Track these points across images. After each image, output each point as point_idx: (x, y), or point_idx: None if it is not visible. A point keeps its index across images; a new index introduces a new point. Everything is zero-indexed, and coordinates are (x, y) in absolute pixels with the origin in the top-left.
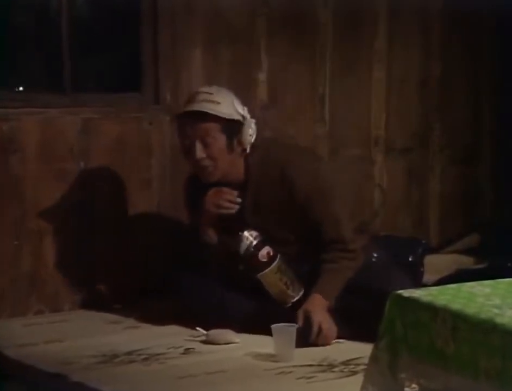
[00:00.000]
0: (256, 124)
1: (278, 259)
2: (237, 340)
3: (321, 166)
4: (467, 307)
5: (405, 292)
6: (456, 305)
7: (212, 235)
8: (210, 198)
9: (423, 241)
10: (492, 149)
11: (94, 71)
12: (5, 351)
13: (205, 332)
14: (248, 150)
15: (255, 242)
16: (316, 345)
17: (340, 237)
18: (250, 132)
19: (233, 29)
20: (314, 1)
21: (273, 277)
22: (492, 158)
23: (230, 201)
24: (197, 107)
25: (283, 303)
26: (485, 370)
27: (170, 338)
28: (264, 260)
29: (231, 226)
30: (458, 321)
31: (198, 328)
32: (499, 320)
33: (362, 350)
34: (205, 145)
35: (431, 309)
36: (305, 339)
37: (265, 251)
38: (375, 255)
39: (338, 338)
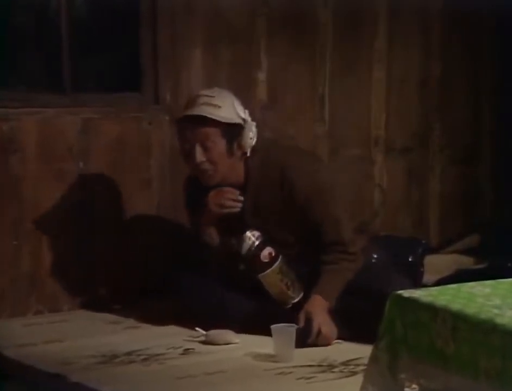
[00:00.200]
0: (257, 126)
1: (279, 260)
2: (236, 340)
3: (321, 168)
4: (467, 307)
5: (405, 293)
6: (456, 305)
7: (213, 236)
8: (212, 198)
9: (423, 242)
10: (492, 149)
11: (94, 71)
12: (4, 351)
13: (204, 332)
14: (248, 153)
15: (257, 242)
16: (315, 345)
17: (340, 239)
18: (251, 136)
19: (233, 29)
20: (314, 1)
21: (274, 278)
22: (492, 158)
23: (233, 200)
24: (197, 111)
25: (284, 304)
26: (485, 370)
27: (169, 338)
28: (266, 260)
29: (232, 227)
30: (458, 321)
31: (197, 329)
32: (499, 320)
33: (362, 351)
34: (205, 149)
35: (431, 309)
36: (305, 339)
37: (267, 252)
38: (375, 256)
39: (338, 338)
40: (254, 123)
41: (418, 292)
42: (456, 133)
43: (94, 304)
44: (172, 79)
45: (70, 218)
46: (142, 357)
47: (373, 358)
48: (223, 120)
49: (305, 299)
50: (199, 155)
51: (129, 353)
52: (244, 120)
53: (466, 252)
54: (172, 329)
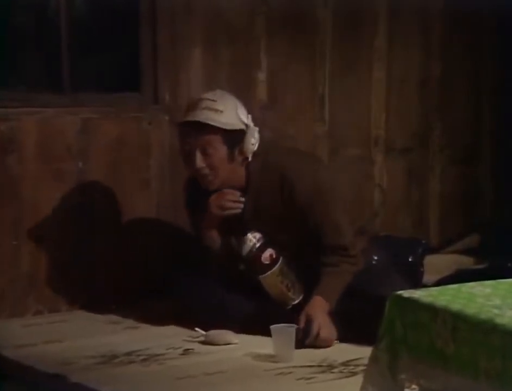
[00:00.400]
0: (259, 131)
1: (280, 261)
2: (236, 340)
3: (320, 170)
4: (467, 308)
5: (405, 293)
6: (456, 305)
7: (214, 238)
8: (213, 201)
9: (423, 242)
10: (492, 149)
11: (93, 71)
12: (4, 352)
13: (204, 332)
14: (250, 158)
15: (258, 244)
16: (314, 347)
17: (341, 243)
18: (253, 142)
19: (233, 29)
20: (314, 0)
21: (275, 280)
22: (492, 158)
23: (234, 201)
24: (198, 116)
25: (284, 305)
26: (485, 370)
27: (169, 338)
28: (267, 262)
29: (233, 229)
30: (458, 322)
31: (197, 329)
32: (499, 320)
33: (362, 351)
34: (206, 155)
35: (431, 309)
36: (304, 341)
37: (268, 254)
38: (375, 258)
39: (339, 340)
40: (257, 128)
41: (418, 293)
42: (456, 133)
43: (94, 304)
44: (171, 78)
45: (70, 218)
46: (142, 357)
47: (373, 358)
48: (225, 127)
49: (305, 300)
50: (199, 161)
51: (128, 354)
52: (246, 125)
53: (466, 252)
54: (172, 329)
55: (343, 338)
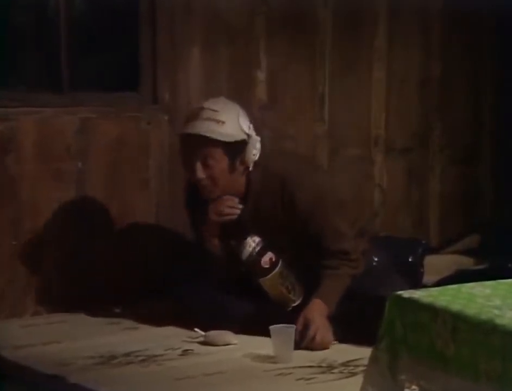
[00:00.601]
0: (259, 133)
1: (279, 264)
2: (235, 341)
3: (320, 177)
4: (467, 308)
5: (405, 293)
6: (456, 306)
7: (215, 244)
8: (212, 208)
9: (423, 242)
10: (492, 149)
11: (93, 71)
12: (2, 352)
13: (203, 333)
14: (251, 168)
15: (257, 248)
16: (311, 349)
17: (342, 248)
18: (254, 152)
19: (232, 28)
20: (314, 0)
21: (275, 283)
22: (492, 158)
23: (231, 207)
24: (200, 127)
25: (285, 307)
26: (485, 371)
27: (168, 339)
28: (267, 266)
29: (233, 233)
30: (458, 322)
31: (196, 330)
32: (499, 321)
33: (362, 351)
34: (206, 167)
35: (431, 310)
36: (299, 343)
37: (267, 257)
38: (375, 259)
39: (339, 341)
40: (258, 138)
41: (418, 293)
42: (456, 133)
43: (93, 305)
44: (170, 78)
45: (69, 218)
46: (141, 358)
47: (373, 359)
48: (226, 140)
49: (305, 302)
50: (200, 172)
51: (127, 354)
52: (248, 135)
53: (466, 252)
54: (171, 330)
55: (343, 339)
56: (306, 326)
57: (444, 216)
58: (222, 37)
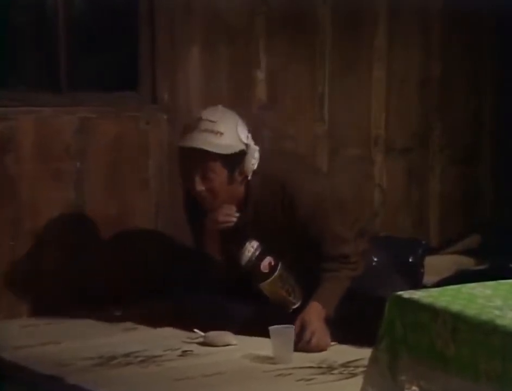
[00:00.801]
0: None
1: (279, 268)
2: (235, 342)
3: (320, 181)
4: (468, 308)
5: (405, 294)
6: (456, 306)
7: (214, 248)
8: (209, 217)
9: (423, 242)
10: (492, 149)
11: (92, 71)
12: (1, 353)
13: (202, 334)
14: (249, 177)
15: (256, 253)
16: (307, 352)
17: (342, 252)
18: (253, 162)
19: (232, 28)
20: (313, 0)
21: (275, 286)
22: (492, 158)
23: (228, 215)
24: (198, 140)
25: (285, 309)
26: (485, 372)
27: (167, 339)
28: (266, 271)
29: (233, 240)
30: (458, 323)
31: (195, 330)
32: (499, 321)
33: (362, 352)
34: (205, 179)
35: (431, 310)
36: (296, 345)
37: (267, 262)
38: (375, 259)
39: (338, 342)
40: (257, 148)
41: (418, 293)
42: (456, 133)
43: (92, 305)
44: (170, 78)
45: (68, 218)
46: (140, 359)
47: (373, 359)
48: (225, 152)
49: (304, 304)
50: (199, 185)
51: (126, 355)
52: (246, 145)
53: (466, 252)
54: (170, 330)
55: (343, 339)
56: (303, 328)
57: (444, 216)
58: (222, 37)
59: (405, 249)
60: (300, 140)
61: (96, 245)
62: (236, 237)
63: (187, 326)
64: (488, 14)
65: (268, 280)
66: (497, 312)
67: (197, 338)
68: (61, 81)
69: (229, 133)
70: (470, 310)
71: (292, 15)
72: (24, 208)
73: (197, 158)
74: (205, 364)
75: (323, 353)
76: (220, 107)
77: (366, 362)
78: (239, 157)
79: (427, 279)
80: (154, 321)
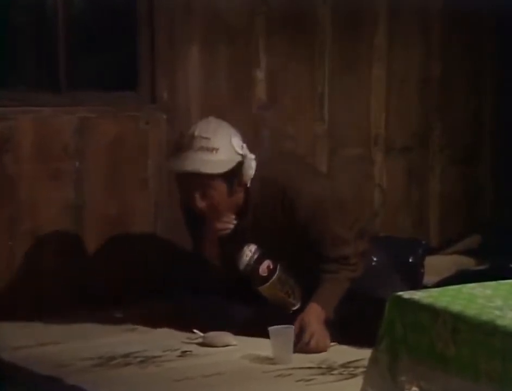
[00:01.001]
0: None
1: (277, 271)
2: (234, 342)
3: (320, 183)
4: (468, 309)
5: (405, 294)
6: (456, 307)
7: (213, 254)
8: (207, 225)
9: (423, 242)
10: (492, 149)
11: (91, 70)
12: (0, 354)
13: (202, 334)
14: (248, 185)
15: (255, 257)
16: (305, 353)
17: (342, 254)
18: (250, 171)
19: (232, 28)
20: (313, 0)
21: (274, 289)
22: (492, 158)
23: (226, 222)
24: (193, 162)
25: (285, 311)
26: (485, 372)
27: (167, 340)
28: (265, 274)
29: (232, 244)
30: (458, 323)
31: (195, 331)
32: (500, 322)
33: (362, 352)
34: (205, 197)
35: (431, 310)
36: (295, 346)
37: (265, 265)
38: (375, 259)
39: (338, 342)
40: (253, 156)
41: (418, 294)
42: (456, 133)
43: (92, 305)
44: (169, 77)
45: (67, 218)
46: (139, 359)
47: (373, 360)
48: (222, 170)
49: (304, 305)
50: (199, 202)
51: (126, 355)
52: (242, 155)
53: (467, 252)
54: (170, 331)
55: (342, 340)
56: (302, 330)
57: (444, 216)
58: (221, 37)
59: (405, 249)
60: (300, 140)
61: (95, 245)
62: (235, 241)
63: (186, 326)
64: (488, 14)
65: (267, 283)
66: (497, 312)
67: (196, 338)
68: (61, 81)
69: (224, 147)
70: (471, 311)
71: (292, 15)
72: (23, 208)
73: (195, 180)
74: (205, 365)
75: (323, 353)
76: (212, 119)
77: (365, 362)
78: (236, 169)
79: (427, 279)
80: (154, 321)
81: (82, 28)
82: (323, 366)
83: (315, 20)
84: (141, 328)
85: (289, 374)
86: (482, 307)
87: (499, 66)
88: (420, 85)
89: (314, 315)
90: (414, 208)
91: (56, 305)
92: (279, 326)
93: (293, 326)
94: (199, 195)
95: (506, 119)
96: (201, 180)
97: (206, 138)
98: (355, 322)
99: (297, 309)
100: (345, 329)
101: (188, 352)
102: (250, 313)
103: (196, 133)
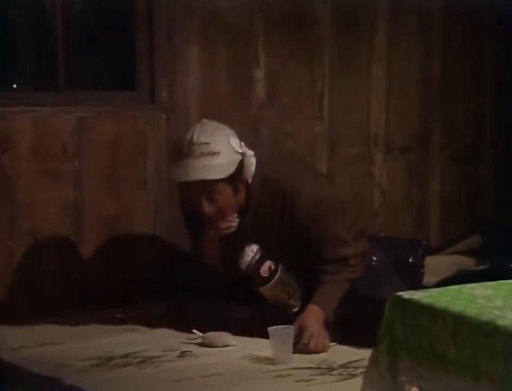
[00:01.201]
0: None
1: (279, 272)
2: (234, 342)
3: (320, 184)
4: (468, 309)
5: (405, 294)
6: (457, 307)
7: (214, 255)
8: (210, 224)
9: (423, 242)
10: (492, 149)
11: (90, 70)
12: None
13: (201, 334)
14: (250, 181)
15: (256, 257)
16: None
17: (342, 254)
18: (251, 168)
19: (232, 28)
20: None
21: (275, 290)
22: (492, 158)
23: (229, 221)
24: (196, 170)
25: (286, 311)
26: (486, 373)
27: (166, 340)
28: (266, 275)
29: (233, 244)
30: (459, 323)
31: (194, 331)
32: (500, 322)
33: (362, 353)
34: (212, 201)
35: (431, 311)
36: (294, 347)
37: (266, 266)
38: (375, 259)
39: (338, 342)
40: (252, 152)
41: (419, 294)
42: (456, 133)
43: (91, 305)
44: (168, 77)
45: (66, 218)
46: (138, 360)
47: (373, 360)
48: (226, 174)
49: (304, 306)
50: (207, 207)
51: (125, 356)
52: (242, 154)
53: (467, 253)
54: (169, 331)
55: (342, 340)
56: (301, 331)
57: (444, 216)
58: (221, 36)
59: (405, 249)
60: (300, 140)
61: (95, 245)
62: (235, 241)
63: (186, 326)
64: (488, 14)
65: (268, 284)
66: (497, 312)
67: (196, 338)
68: (59, 81)
69: (224, 150)
70: (471, 311)
71: (291, 15)
72: (21, 208)
73: (201, 187)
74: (204, 365)
75: (323, 353)
76: (207, 122)
77: (365, 363)
78: (238, 168)
79: (427, 279)
80: (153, 321)
81: (81, 28)
82: (323, 366)
83: (315, 20)
84: (140, 328)
85: (289, 375)
86: (482, 307)
87: (499, 66)
88: (420, 85)
89: (314, 316)
90: (414, 208)
91: (55, 305)
92: (279, 326)
93: (293, 326)
94: (205, 201)
95: (506, 119)
96: (207, 187)
97: (205, 143)
98: (355, 322)
99: (297, 310)
100: (345, 329)
101: (187, 352)
102: (250, 313)
103: (195, 140)
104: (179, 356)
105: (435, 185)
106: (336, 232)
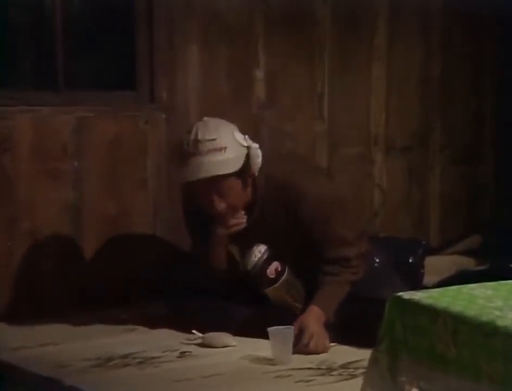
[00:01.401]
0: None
1: (285, 273)
2: (233, 343)
3: (322, 182)
4: (468, 309)
5: (405, 294)
6: (457, 307)
7: (221, 257)
8: (219, 222)
9: (423, 243)
10: (492, 149)
11: (90, 70)
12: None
13: (201, 334)
14: (256, 174)
15: (263, 258)
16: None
17: (343, 256)
18: (258, 160)
19: (231, 28)
20: None
21: (280, 291)
22: (492, 158)
23: (238, 218)
24: (206, 167)
25: (289, 312)
26: (486, 373)
27: (166, 341)
28: (272, 276)
29: (240, 243)
30: (459, 324)
31: (194, 331)
32: (500, 322)
33: (362, 353)
34: (224, 197)
35: (431, 311)
36: (294, 348)
37: (273, 267)
38: (376, 260)
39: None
40: (257, 145)
41: (419, 294)
42: (456, 133)
43: (91, 305)
44: (168, 77)
45: (66, 218)
46: (138, 360)
47: (373, 360)
48: (235, 168)
49: (305, 307)
50: (218, 203)
51: (124, 356)
52: (248, 147)
53: (467, 253)
54: (169, 331)
55: (342, 340)
56: (301, 331)
57: (444, 216)
58: (221, 36)
59: (405, 249)
60: (300, 140)
61: (94, 245)
62: (243, 240)
63: (186, 327)
64: (488, 14)
65: (274, 285)
66: (497, 313)
67: (196, 339)
68: (59, 80)
69: (230, 144)
70: (471, 311)
71: (291, 15)
72: (21, 208)
73: (212, 184)
74: (204, 365)
75: (323, 354)
76: (209, 120)
77: (365, 363)
78: (246, 162)
79: (427, 279)
80: (153, 321)
81: (81, 27)
82: (323, 367)
83: (315, 20)
84: (140, 328)
85: (289, 375)
86: (482, 307)
87: (499, 66)
88: (420, 85)
89: (314, 317)
90: (414, 208)
91: (55, 305)
92: (279, 327)
93: (293, 327)
94: (216, 197)
95: (506, 119)
96: (217, 183)
97: (211, 139)
98: (355, 322)
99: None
100: (345, 329)
101: (187, 353)
102: (250, 313)
103: (200, 137)
104: (179, 356)
105: (435, 185)
106: (338, 232)
